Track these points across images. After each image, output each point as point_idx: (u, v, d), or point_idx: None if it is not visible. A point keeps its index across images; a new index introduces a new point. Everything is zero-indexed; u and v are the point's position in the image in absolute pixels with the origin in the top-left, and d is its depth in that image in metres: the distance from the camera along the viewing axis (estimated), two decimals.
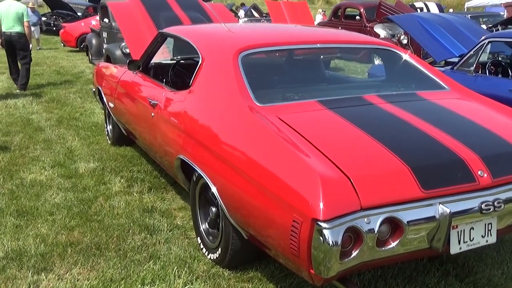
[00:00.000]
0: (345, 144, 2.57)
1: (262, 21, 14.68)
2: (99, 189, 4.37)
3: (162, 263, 3.14)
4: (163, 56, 5.07)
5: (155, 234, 3.54)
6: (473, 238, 2.54)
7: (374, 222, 2.19)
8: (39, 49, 15.98)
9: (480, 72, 5.49)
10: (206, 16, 6.16)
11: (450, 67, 6.01)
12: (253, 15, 19.41)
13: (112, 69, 5.39)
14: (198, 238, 3.35)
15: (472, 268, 3.14)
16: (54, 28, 20.48)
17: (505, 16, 14.70)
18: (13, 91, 8.96)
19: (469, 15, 13.26)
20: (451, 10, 19.86)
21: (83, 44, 14.87)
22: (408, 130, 2.73)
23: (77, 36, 15.88)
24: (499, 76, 5.65)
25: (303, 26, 3.92)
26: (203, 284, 2.95)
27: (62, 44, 16.75)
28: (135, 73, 4.59)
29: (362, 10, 13.48)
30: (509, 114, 3.19)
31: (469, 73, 5.50)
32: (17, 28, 8.72)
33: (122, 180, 4.57)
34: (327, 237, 2.08)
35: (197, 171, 3.07)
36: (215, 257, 3.12)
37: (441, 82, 3.53)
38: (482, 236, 2.57)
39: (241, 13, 20.22)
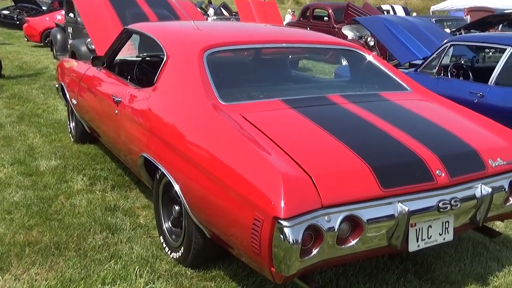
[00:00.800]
0: (307, 143, 2.58)
1: (232, 20, 14.65)
2: (61, 187, 4.28)
3: (123, 262, 3.09)
4: (128, 52, 5.01)
5: (117, 233, 3.49)
6: (430, 236, 2.60)
7: (334, 220, 2.22)
8: (1, 43, 15.49)
9: (442, 74, 5.62)
10: (173, 13, 6.10)
11: (414, 69, 6.13)
12: (222, 14, 19.34)
13: (76, 65, 5.28)
14: (161, 237, 3.32)
15: (431, 266, 3.21)
16: (18, 22, 19.91)
17: (468, 21, 15.10)
18: None
19: (433, 19, 13.58)
20: (414, 14, 20.25)
21: (47, 39, 14.50)
22: (369, 129, 2.77)
23: (42, 31, 15.47)
24: (460, 78, 5.79)
25: (270, 26, 3.92)
26: (165, 283, 2.92)
27: (26, 39, 16.30)
28: (99, 69, 4.51)
29: (330, 11, 13.63)
30: (467, 115, 3.28)
31: (432, 75, 5.62)
32: None
33: (84, 178, 4.48)
34: (287, 235, 2.09)
35: (160, 169, 3.04)
36: (177, 256, 3.09)
37: (403, 84, 3.59)
38: (439, 234, 2.63)
39: (211, 11, 20.11)
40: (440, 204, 2.48)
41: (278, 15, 11.71)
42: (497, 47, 5.27)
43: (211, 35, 3.63)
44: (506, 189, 2.76)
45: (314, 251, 2.20)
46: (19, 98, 7.90)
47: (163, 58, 3.44)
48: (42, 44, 15.33)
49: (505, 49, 4.98)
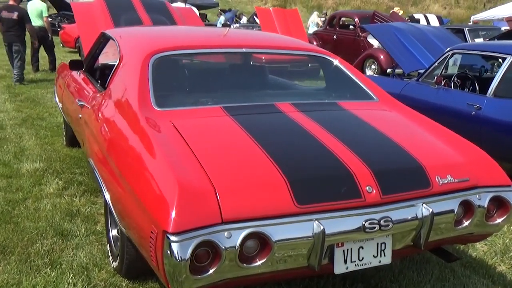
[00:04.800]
0: (227, 152, 2.43)
1: (256, 29, 14.57)
2: (32, 190, 4.28)
3: (61, 270, 3.03)
4: (114, 57, 4.99)
5: (67, 239, 3.43)
6: (362, 258, 2.39)
7: (235, 236, 2.05)
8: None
9: (442, 84, 5.31)
10: (170, 18, 6.07)
11: (415, 79, 5.84)
12: (255, 22, 19.24)
13: (65, 68, 5.31)
14: (108, 245, 3.23)
15: None
16: (59, 29, 20.63)
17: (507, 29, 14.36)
18: None
19: (466, 28, 13.01)
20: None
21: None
22: (304, 140, 2.58)
23: (76, 37, 15.88)
24: (462, 89, 5.46)
25: (242, 31, 3.77)
26: None
27: (61, 45, 16.83)
28: (79, 73, 4.51)
29: (356, 19, 13.34)
30: (430, 129, 3.02)
31: (432, 85, 5.32)
32: (38, 23, 10.40)
33: (60, 182, 4.47)
34: (174, 251, 1.95)
35: (96, 176, 2.96)
36: (115, 266, 3.00)
37: (370, 92, 3.38)
38: (374, 256, 2.42)
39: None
40: (367, 224, 2.26)
41: (300, 24, 11.51)
42: (497, 55, 4.92)
43: (167, 39, 3.53)
44: (456, 210, 2.50)
45: (211, 270, 2.04)
46: (32, 101, 8.09)
47: (118, 62, 3.37)
48: (76, 50, 15.73)
49: (505, 58, 4.64)
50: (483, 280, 3.14)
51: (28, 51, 10.60)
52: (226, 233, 2.04)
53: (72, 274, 2.97)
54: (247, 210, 2.11)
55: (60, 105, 5.07)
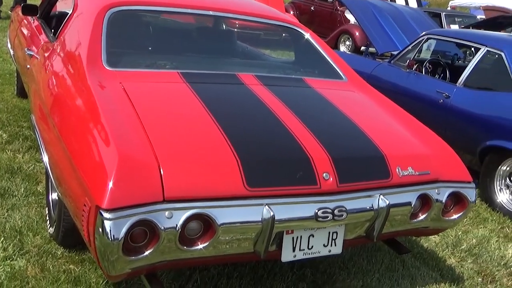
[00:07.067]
0: (178, 124, 2.23)
1: None
2: None
3: None
4: None
5: (4, 198, 3.19)
6: (312, 246, 2.27)
7: (177, 217, 1.89)
8: None
9: (414, 69, 5.20)
10: None
11: (388, 60, 5.72)
12: None
13: (20, 13, 4.92)
14: (46, 209, 3.02)
15: (332, 276, 2.88)
16: None
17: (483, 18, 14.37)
18: None
19: (444, 13, 12.95)
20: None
21: None
22: (263, 118, 2.41)
23: None
24: (433, 76, 5.37)
25: None
26: (25, 261, 2.62)
27: None
28: (33, 20, 4.17)
29: None
30: (397, 116, 2.90)
31: (403, 69, 5.20)
32: None
33: (4, 135, 4.17)
34: (107, 229, 1.77)
35: (36, 136, 2.72)
36: (52, 232, 2.80)
37: (339, 71, 3.22)
38: (324, 245, 2.30)
39: None
40: (320, 213, 2.13)
41: None
42: (471, 45, 4.83)
43: None
44: (414, 203, 2.41)
45: (147, 251, 1.87)
46: None
47: (72, 12, 3.09)
48: None
49: (479, 48, 4.55)
50: (432, 273, 3.10)
51: None
52: (167, 213, 1.87)
53: (3, 238, 2.76)
54: (192, 189, 1.94)
55: (12, 51, 4.72)
